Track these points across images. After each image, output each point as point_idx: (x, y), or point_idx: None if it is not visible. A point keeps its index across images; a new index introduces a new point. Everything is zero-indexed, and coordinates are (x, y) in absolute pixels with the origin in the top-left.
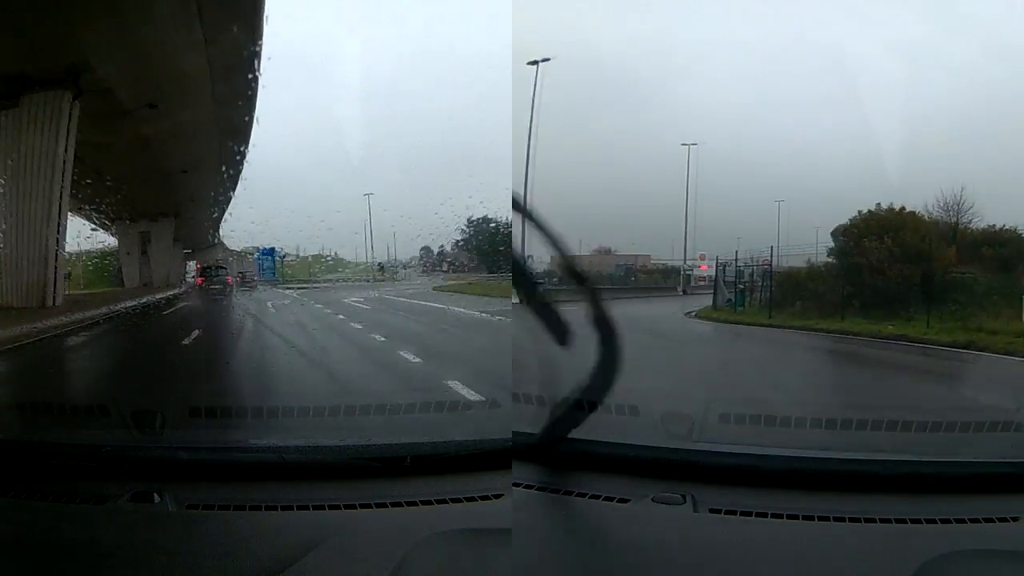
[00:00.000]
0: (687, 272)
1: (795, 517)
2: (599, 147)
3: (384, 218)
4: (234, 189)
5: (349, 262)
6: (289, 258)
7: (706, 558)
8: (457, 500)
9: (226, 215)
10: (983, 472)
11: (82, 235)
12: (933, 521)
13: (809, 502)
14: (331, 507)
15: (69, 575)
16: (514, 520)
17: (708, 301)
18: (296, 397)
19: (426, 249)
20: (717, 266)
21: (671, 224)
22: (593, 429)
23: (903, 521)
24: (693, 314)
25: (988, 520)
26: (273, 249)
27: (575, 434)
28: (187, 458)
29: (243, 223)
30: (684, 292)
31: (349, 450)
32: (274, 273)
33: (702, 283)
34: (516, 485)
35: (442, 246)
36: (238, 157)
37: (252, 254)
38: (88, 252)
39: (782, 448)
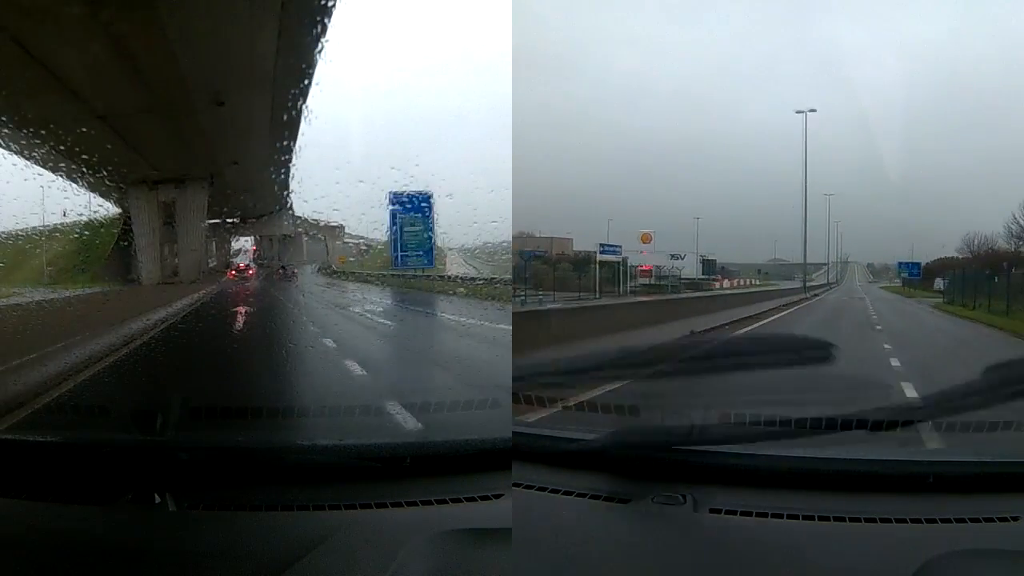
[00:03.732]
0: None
1: (795, 517)
2: None
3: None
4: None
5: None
6: (362, 244)
7: (706, 558)
8: (457, 500)
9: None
10: (983, 472)
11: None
12: (933, 521)
13: (809, 502)
14: (331, 507)
15: (69, 575)
16: (514, 520)
17: None
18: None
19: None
20: None
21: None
22: (593, 429)
23: (903, 521)
24: None
25: (988, 520)
26: (428, 197)
27: (575, 434)
28: (187, 458)
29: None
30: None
31: (349, 450)
32: (431, 256)
33: (645, 282)
34: (516, 485)
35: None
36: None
37: (341, 232)
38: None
39: (782, 448)
